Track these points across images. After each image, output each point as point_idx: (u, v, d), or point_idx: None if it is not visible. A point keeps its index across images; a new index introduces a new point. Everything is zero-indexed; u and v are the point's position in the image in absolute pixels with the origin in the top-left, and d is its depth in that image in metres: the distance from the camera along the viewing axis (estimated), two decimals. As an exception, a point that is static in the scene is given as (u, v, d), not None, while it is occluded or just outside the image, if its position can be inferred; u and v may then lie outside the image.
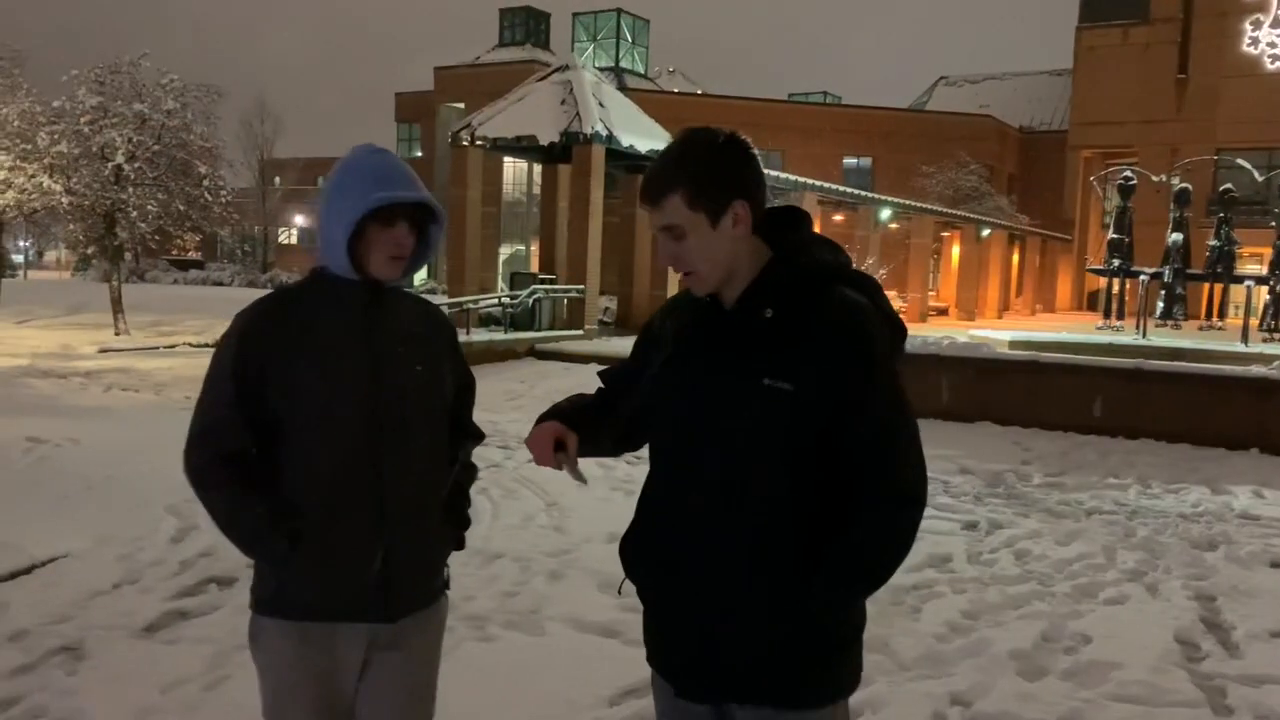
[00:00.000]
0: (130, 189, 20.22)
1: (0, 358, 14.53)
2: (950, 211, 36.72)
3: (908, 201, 34.16)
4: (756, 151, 1.81)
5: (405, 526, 2.11)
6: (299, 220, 51.34)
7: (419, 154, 51.73)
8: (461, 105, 40.59)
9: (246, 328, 2.07)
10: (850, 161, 44.23)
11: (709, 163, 1.75)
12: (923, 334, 13.67)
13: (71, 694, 3.62)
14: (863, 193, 33.10)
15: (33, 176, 19.67)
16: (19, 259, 30.50)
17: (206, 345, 18.85)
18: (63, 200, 19.97)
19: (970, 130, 44.34)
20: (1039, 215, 44.98)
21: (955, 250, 39.07)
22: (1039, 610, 5.02)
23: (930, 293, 37.39)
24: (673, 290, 22.41)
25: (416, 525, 2.14)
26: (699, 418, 1.78)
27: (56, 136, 19.89)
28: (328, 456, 2.04)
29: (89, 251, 22.43)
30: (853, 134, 43.46)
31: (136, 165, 20.24)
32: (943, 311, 37.20)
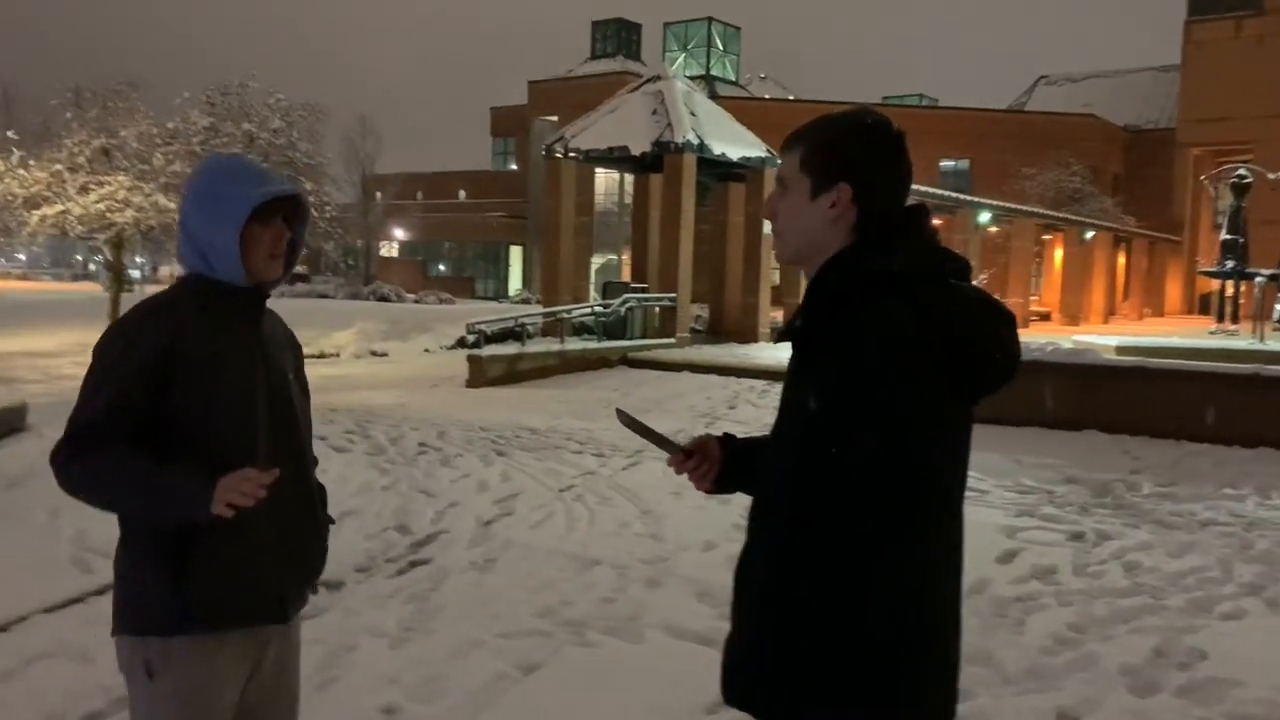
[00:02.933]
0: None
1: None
2: (1052, 214, 35.73)
3: (1007, 204, 33.35)
4: (907, 155, 1.68)
5: (301, 526, 2.17)
6: (399, 234, 52.60)
7: (514, 167, 52.57)
8: (555, 118, 41.09)
9: (144, 334, 2.01)
10: (947, 164, 43.42)
11: (836, 135, 1.67)
12: (1026, 340, 13.33)
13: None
14: (960, 195, 32.44)
15: (149, 195, 20.61)
16: (136, 274, 31.96)
17: (313, 356, 19.47)
18: (177, 218, 20.83)
19: (1072, 130, 43.11)
20: (1146, 216, 43.45)
21: (1058, 254, 37.98)
22: (1151, 624, 4.85)
23: (1032, 297, 36.38)
24: (765, 299, 22.35)
25: (309, 525, 2.21)
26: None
27: (171, 157, 20.82)
28: (232, 461, 1.98)
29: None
30: (949, 136, 42.64)
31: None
32: (1045, 317, 36.17)
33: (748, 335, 21.27)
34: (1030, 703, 3.92)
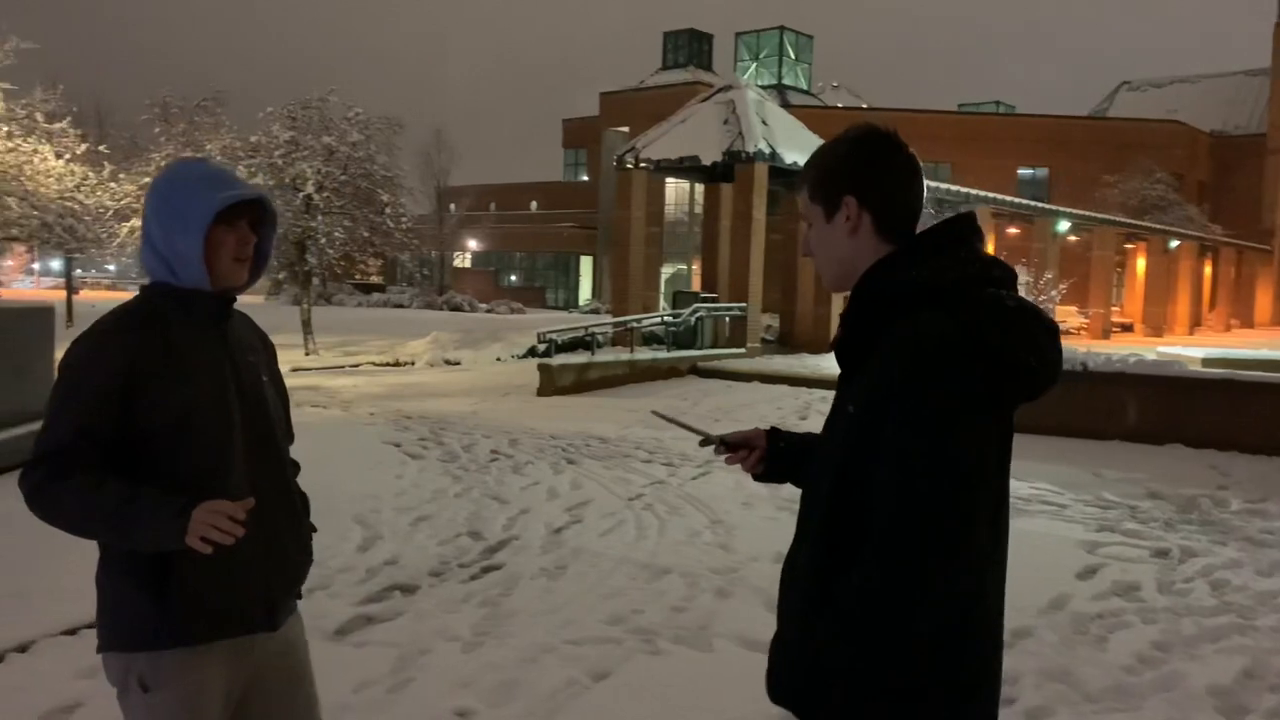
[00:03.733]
0: (319, 217, 21.54)
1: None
2: (1134, 222, 34.84)
3: (1087, 213, 32.61)
4: (902, 150, 1.68)
5: (282, 535, 2.13)
6: (472, 244, 53.35)
7: (585, 178, 52.96)
8: (626, 129, 41.34)
9: (107, 349, 1.96)
10: (1025, 172, 42.63)
11: (827, 156, 1.72)
12: (1107, 351, 13.01)
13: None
14: (1038, 204, 31.80)
15: (233, 208, 21.24)
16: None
17: (389, 364, 19.82)
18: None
19: (1156, 136, 42.02)
20: (1234, 225, 42.13)
21: (1141, 263, 36.98)
22: (1240, 644, 4.68)
23: (1114, 308, 35.50)
24: (836, 308, 22.14)
25: (291, 532, 2.17)
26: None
27: (254, 169, 21.41)
28: (207, 472, 1.97)
29: (281, 277, 23.93)
30: (1027, 144, 41.88)
31: (325, 195, 21.55)
32: (1128, 328, 35.28)
33: (819, 345, 21.11)
34: (1112, 722, 3.81)
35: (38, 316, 8.86)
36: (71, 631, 4.33)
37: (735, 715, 3.72)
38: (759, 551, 6.03)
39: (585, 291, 50.98)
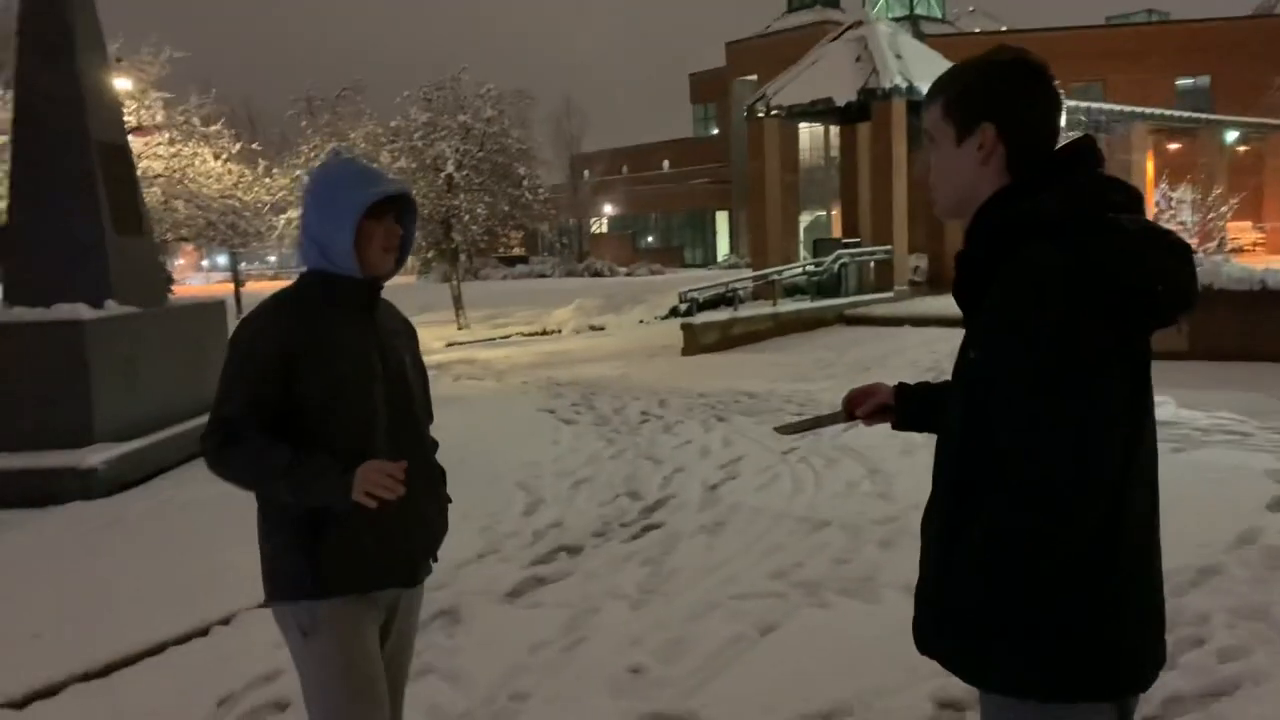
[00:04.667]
0: (461, 195, 22.10)
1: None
2: (1313, 125, 32.10)
3: (1258, 119, 30.25)
4: (1050, 83, 1.62)
5: (423, 502, 2.33)
6: (608, 209, 53.76)
7: (715, 131, 52.48)
8: (754, 77, 40.64)
9: (269, 328, 2.20)
10: (1184, 82, 39.80)
11: (973, 77, 1.64)
12: (1286, 267, 12.09)
13: (453, 653, 4.05)
14: (1201, 115, 29.70)
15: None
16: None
17: (537, 334, 20.26)
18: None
19: (1334, 29, 38.47)
20: None
21: (1322, 169, 34.12)
22: None
23: (1293, 220, 32.92)
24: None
25: (430, 500, 2.40)
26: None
27: (396, 154, 22.10)
28: (357, 441, 2.18)
29: (430, 256, 24.72)
30: (1185, 52, 39.05)
31: (464, 173, 22.08)
32: (1309, 240, 32.67)
33: (969, 284, 20.41)
34: (1316, 662, 3.59)
35: (210, 311, 9.43)
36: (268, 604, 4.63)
37: (907, 664, 3.68)
38: (920, 499, 5.86)
39: (723, 247, 50.72)
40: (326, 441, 2.16)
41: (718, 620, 4.26)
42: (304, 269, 2.31)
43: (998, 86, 1.61)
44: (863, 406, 2.04)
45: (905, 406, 2.01)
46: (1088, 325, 1.45)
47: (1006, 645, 1.56)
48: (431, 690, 3.70)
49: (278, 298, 2.28)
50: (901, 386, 2.04)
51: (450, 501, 2.54)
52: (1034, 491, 1.45)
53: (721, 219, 51.12)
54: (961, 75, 1.66)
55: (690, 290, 18.02)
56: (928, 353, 12.94)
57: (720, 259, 48.08)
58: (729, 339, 15.58)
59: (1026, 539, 1.47)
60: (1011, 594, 1.52)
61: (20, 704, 3.79)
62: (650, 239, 55.74)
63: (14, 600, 4.92)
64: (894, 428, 2.06)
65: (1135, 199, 1.58)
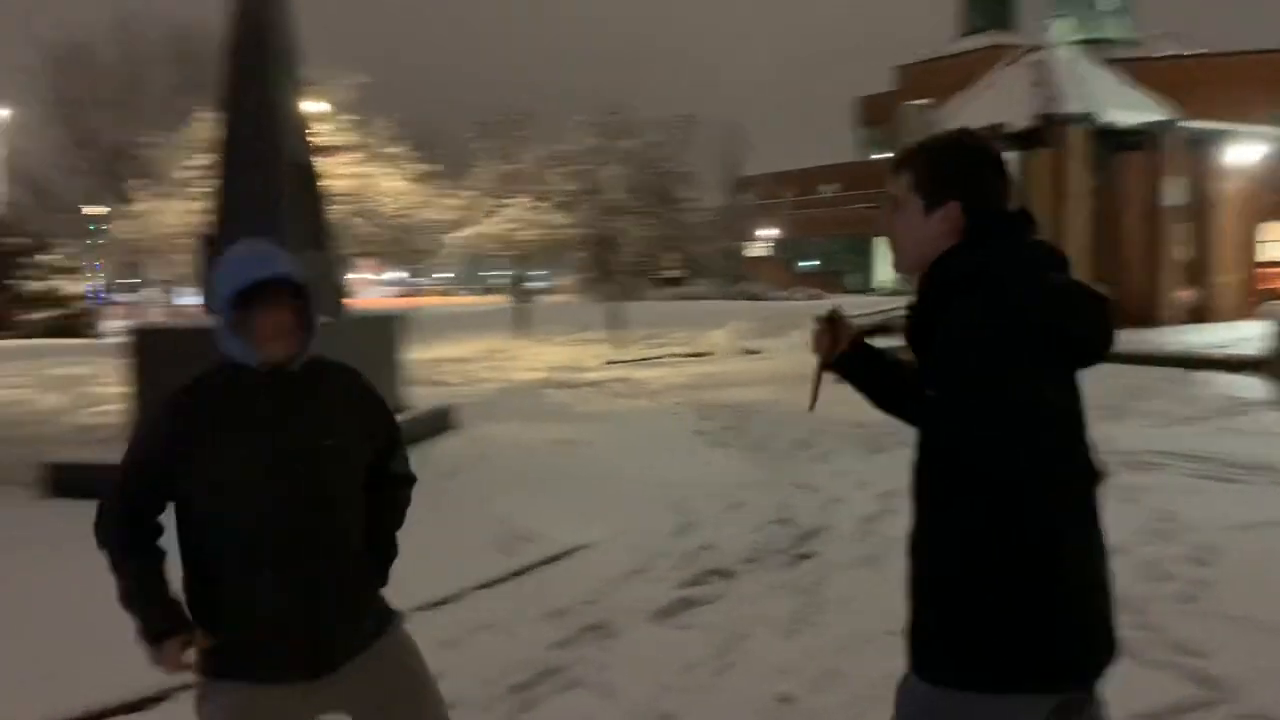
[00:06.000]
0: (624, 218, 22.48)
1: (525, 371, 16.82)
2: None
3: None
4: (1002, 163, 1.88)
5: (323, 587, 2.15)
6: (766, 232, 53.57)
7: (880, 156, 51.58)
8: (924, 102, 39.80)
9: (164, 416, 2.15)
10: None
11: (942, 156, 1.89)
12: None
13: (603, 669, 4.08)
14: None
15: (545, 213, 22.68)
16: (537, 286, 35.27)
17: (691, 355, 20.33)
18: (570, 233, 22.81)
19: None
20: None
21: None
22: None
23: None
24: (1167, 277, 20.20)
25: (334, 584, 2.18)
26: None
27: (564, 177, 22.69)
28: (241, 548, 2.10)
29: (591, 276, 25.21)
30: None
31: (627, 196, 22.46)
32: None
33: (1149, 318, 19.34)
34: None
35: (385, 323, 9.87)
36: (436, 604, 4.79)
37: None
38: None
39: (884, 273, 49.70)
40: (213, 530, 2.12)
41: (873, 654, 4.14)
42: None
43: (963, 169, 1.87)
44: (822, 342, 2.20)
45: (853, 368, 2.23)
46: (1015, 351, 1.69)
47: (942, 635, 1.76)
48: (580, 703, 3.74)
49: (179, 389, 2.18)
50: (862, 340, 2.24)
51: (383, 585, 2.39)
52: (969, 480, 1.69)
53: (882, 244, 50.10)
54: (930, 155, 1.90)
55: (850, 316, 17.70)
56: (1101, 389, 12.26)
57: (877, 284, 47.13)
58: (889, 368, 15.15)
59: (961, 528, 1.70)
60: (949, 582, 1.74)
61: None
62: (809, 263, 55.18)
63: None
64: (831, 368, 2.22)
65: (1061, 260, 1.85)
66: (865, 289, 47.78)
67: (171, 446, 2.11)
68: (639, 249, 23.42)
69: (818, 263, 55.17)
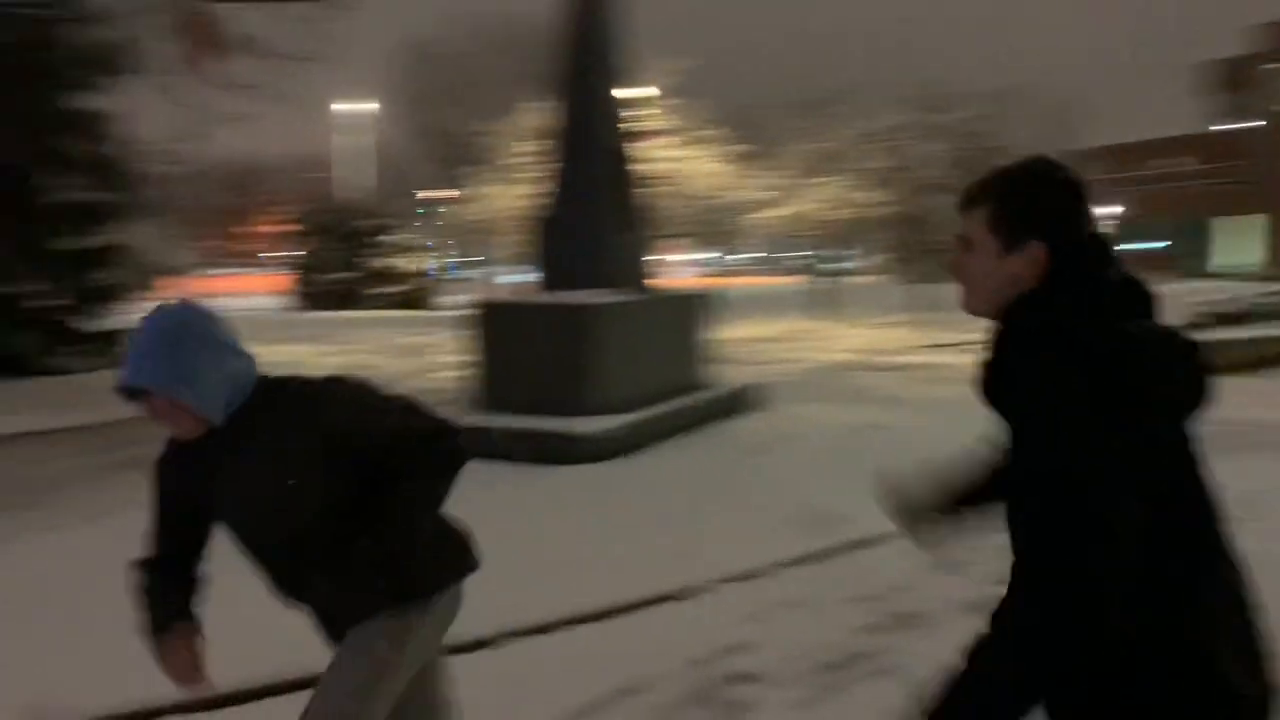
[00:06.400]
0: (935, 195, 21.65)
1: (832, 353, 16.67)
2: None
3: None
4: (1088, 196, 1.65)
5: (323, 599, 2.30)
6: (1110, 210, 49.62)
7: (1219, 127, 46.23)
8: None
9: (154, 470, 2.32)
10: None
11: (1024, 192, 1.65)
12: None
13: (916, 659, 3.95)
14: None
15: (860, 191, 22.35)
16: (845, 266, 34.79)
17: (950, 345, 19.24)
18: (881, 211, 22.32)
19: None
20: None
21: None
22: None
23: None
24: None
25: (331, 598, 2.28)
26: None
27: (880, 153, 22.23)
28: (246, 554, 2.29)
29: (901, 256, 24.54)
30: None
31: (939, 173, 21.60)
32: None
33: None
34: None
35: (689, 302, 10.13)
36: (742, 578, 4.86)
37: None
38: None
39: (1228, 255, 44.57)
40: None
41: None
42: None
43: (1048, 204, 1.63)
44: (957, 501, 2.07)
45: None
46: (1094, 422, 1.47)
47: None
48: (889, 694, 3.66)
49: (164, 449, 2.33)
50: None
51: (380, 590, 2.23)
52: (1055, 587, 1.45)
53: (1225, 223, 44.87)
54: (1007, 190, 1.66)
55: (1200, 302, 16.02)
56: None
57: (1216, 267, 42.28)
58: (1262, 359, 13.35)
59: (1044, 637, 1.46)
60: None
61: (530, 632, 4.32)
62: (1143, 245, 50.46)
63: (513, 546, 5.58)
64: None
65: (1146, 300, 1.63)
66: (1214, 274, 43.07)
67: (170, 501, 2.32)
68: (950, 229, 22.59)
69: (1162, 244, 50.30)
